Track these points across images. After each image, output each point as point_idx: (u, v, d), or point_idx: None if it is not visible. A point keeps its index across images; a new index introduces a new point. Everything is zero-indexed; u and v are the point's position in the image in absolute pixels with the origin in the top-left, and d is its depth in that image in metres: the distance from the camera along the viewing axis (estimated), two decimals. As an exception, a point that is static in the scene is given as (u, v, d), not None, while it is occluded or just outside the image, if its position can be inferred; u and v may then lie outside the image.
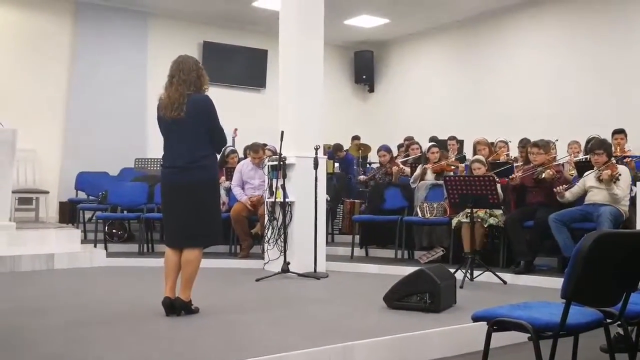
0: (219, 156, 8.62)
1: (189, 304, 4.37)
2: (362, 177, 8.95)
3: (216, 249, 7.35)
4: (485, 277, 6.05)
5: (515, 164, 7.82)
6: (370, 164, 11.36)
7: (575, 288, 2.51)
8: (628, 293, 2.74)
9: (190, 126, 4.30)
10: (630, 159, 6.77)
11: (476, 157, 7.37)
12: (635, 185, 6.00)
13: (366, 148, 11.67)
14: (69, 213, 9.68)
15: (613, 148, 7.20)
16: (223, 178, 8.21)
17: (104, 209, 8.54)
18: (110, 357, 3.34)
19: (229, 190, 8.00)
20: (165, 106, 4.33)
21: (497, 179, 6.76)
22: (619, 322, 2.87)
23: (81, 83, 10.75)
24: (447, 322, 4.14)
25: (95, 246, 7.86)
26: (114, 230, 8.43)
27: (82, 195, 9.89)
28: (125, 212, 8.58)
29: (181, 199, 4.33)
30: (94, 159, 10.20)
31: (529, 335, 2.56)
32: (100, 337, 3.78)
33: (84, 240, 8.20)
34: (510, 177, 6.71)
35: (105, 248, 7.82)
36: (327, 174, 7.99)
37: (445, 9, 11.30)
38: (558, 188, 6.23)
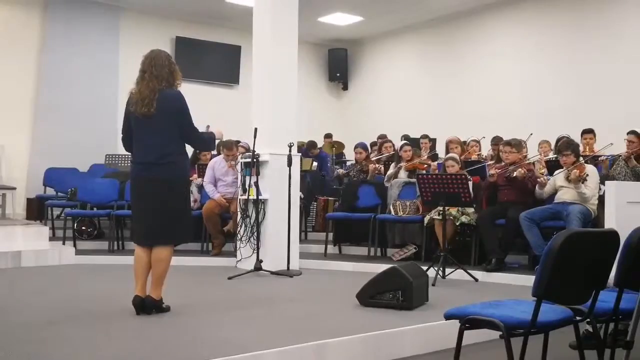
0: (190, 152, 8.65)
1: (160, 302, 4.32)
2: (340, 171, 8.93)
3: (188, 247, 7.29)
4: (457, 274, 6.09)
5: (487, 163, 7.90)
6: (345, 161, 11.37)
7: (546, 287, 2.53)
8: (597, 291, 2.78)
9: (161, 122, 4.25)
10: (605, 157, 6.86)
11: (450, 155, 7.42)
12: (603, 185, 6.08)
13: (340, 145, 11.68)
14: (36, 210, 9.52)
15: (582, 148, 7.31)
16: (195, 175, 8.15)
17: (73, 205, 8.41)
18: (79, 357, 3.28)
19: (201, 188, 7.94)
20: (136, 101, 4.27)
21: (470, 178, 6.81)
22: (589, 320, 2.91)
23: (50, 77, 10.57)
24: (420, 319, 4.16)
25: (63, 243, 7.74)
26: (83, 227, 8.32)
27: (50, 191, 9.71)
28: (95, 209, 8.45)
29: (150, 196, 4.27)
30: (63, 154, 10.04)
31: (501, 333, 2.58)
32: (68, 337, 3.72)
33: (53, 238, 8.07)
34: (489, 174, 6.76)
35: (74, 245, 7.71)
36: (303, 171, 7.96)
37: (419, 7, 11.35)
38: (541, 179, 6.32)
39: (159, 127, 4.26)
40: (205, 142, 4.79)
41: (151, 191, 4.27)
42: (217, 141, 4.90)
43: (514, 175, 6.46)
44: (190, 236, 4.58)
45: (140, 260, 4.30)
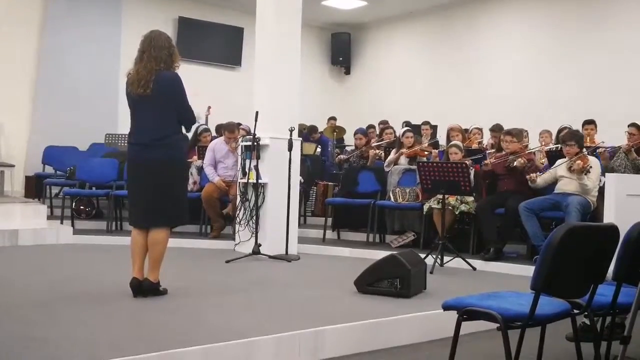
0: (190, 134, 8.61)
1: (157, 285, 4.32)
2: (341, 157, 8.90)
3: (186, 229, 7.29)
4: (455, 263, 6.10)
5: (487, 151, 7.87)
6: (345, 146, 11.34)
7: (545, 280, 2.53)
8: (595, 285, 2.77)
9: (157, 103, 4.22)
10: (604, 149, 6.83)
11: (454, 142, 7.39)
12: (604, 176, 6.06)
13: (341, 130, 11.65)
14: (35, 188, 9.50)
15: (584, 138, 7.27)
16: (195, 157, 8.12)
17: (72, 184, 8.39)
18: (75, 339, 3.28)
19: (200, 169, 7.92)
20: (133, 82, 4.25)
21: (472, 166, 6.80)
22: (586, 313, 2.91)
23: (51, 57, 10.50)
24: (417, 307, 4.16)
25: (61, 222, 7.72)
26: (81, 207, 8.29)
27: (49, 169, 9.70)
28: (94, 188, 8.43)
29: (146, 177, 4.25)
30: (62, 133, 9.99)
31: (498, 325, 2.57)
32: (64, 317, 3.72)
33: (50, 216, 8.06)
34: (483, 162, 6.75)
35: (72, 225, 7.69)
36: (304, 155, 7.93)
37: (423, -7, 11.28)
38: (531, 175, 6.28)
39: (155, 108, 4.23)
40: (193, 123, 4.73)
41: (147, 172, 4.25)
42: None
43: (514, 164, 6.44)
44: (186, 218, 4.56)
45: (136, 242, 4.29)
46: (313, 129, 10.69)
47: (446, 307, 2.83)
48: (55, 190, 9.18)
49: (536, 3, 10.52)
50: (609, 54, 9.41)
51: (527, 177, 6.31)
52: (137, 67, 4.27)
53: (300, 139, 7.29)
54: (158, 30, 4.39)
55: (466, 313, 2.72)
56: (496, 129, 8.34)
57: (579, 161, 5.99)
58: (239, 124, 8.08)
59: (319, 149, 9.91)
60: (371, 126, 10.36)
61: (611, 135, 7.62)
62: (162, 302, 4.20)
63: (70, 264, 5.94)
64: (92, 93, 10.57)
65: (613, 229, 2.78)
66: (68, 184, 8.59)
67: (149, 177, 4.24)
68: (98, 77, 10.66)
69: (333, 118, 11.86)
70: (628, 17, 9.28)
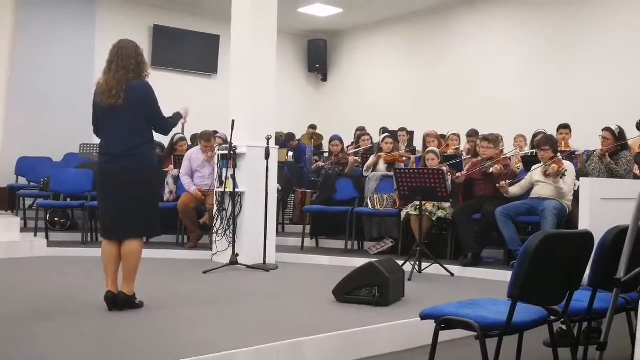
0: (167, 143, 8.55)
1: (133, 298, 4.26)
2: (319, 164, 8.87)
3: (163, 239, 7.22)
4: (433, 269, 6.11)
5: (463, 157, 7.92)
6: (323, 152, 11.34)
7: (522, 288, 2.54)
8: (571, 292, 2.79)
9: (128, 113, 4.18)
10: (582, 152, 6.90)
11: (431, 148, 7.43)
12: (578, 180, 6.12)
13: (318, 137, 11.65)
14: (8, 200, 9.31)
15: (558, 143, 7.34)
16: (171, 166, 8.06)
17: (46, 196, 8.26)
18: (47, 356, 3.21)
19: (177, 179, 7.85)
20: (103, 92, 4.21)
21: (450, 171, 6.83)
22: (563, 319, 2.92)
23: (24, 65, 10.32)
24: (396, 316, 4.15)
25: (35, 235, 7.61)
26: (56, 219, 8.17)
27: (22, 181, 9.54)
28: (68, 199, 8.31)
29: (118, 188, 4.20)
30: (36, 143, 9.86)
31: (476, 334, 2.57)
32: (38, 333, 3.64)
33: (24, 229, 7.94)
34: (456, 175, 6.77)
35: (47, 237, 7.57)
36: (279, 162, 7.90)
37: (398, 0, 11.30)
38: (502, 183, 6.32)
39: (126, 118, 4.19)
40: (173, 126, 4.69)
41: (119, 183, 4.20)
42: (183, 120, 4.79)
43: (490, 171, 6.49)
44: (159, 229, 4.52)
45: (108, 254, 4.23)
46: (290, 136, 10.67)
47: (424, 317, 2.83)
48: (29, 202, 9.03)
49: (511, 9, 10.62)
50: (584, 59, 9.52)
51: (498, 185, 6.34)
52: (105, 77, 4.23)
53: (278, 147, 7.27)
54: (126, 40, 4.36)
55: (444, 322, 2.73)
56: (472, 134, 8.42)
57: (554, 165, 6.05)
58: (216, 132, 8.03)
59: (290, 154, 9.87)
60: (361, 128, 10.30)
61: (585, 139, 7.71)
62: (137, 315, 4.14)
63: (44, 278, 5.83)
64: (66, 102, 10.44)
65: (587, 236, 2.80)
66: (42, 195, 8.46)
67: (121, 188, 4.20)
68: (72, 86, 10.53)
69: (313, 126, 11.85)
70: (603, 23, 9.39)
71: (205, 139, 7.62)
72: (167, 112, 4.49)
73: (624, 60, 9.05)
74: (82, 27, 10.95)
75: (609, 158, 6.36)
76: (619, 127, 6.49)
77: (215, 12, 11.46)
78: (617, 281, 2.62)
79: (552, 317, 2.84)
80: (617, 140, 6.46)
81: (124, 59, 4.21)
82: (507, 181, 6.38)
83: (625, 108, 8.33)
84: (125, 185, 4.19)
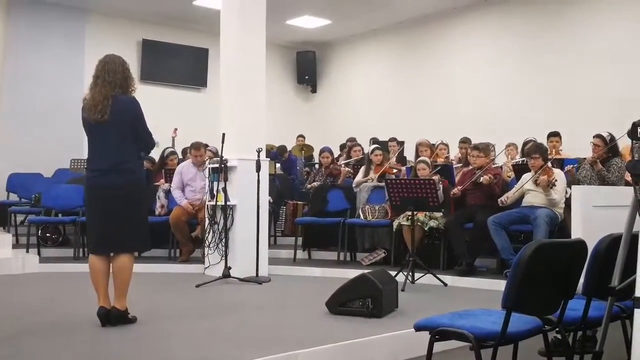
0: (157, 157, 8.53)
1: (126, 313, 4.23)
2: (314, 184, 8.76)
3: (155, 253, 7.19)
4: (426, 279, 6.09)
5: (454, 166, 7.94)
6: (314, 164, 11.34)
7: (516, 298, 2.53)
8: (566, 301, 2.79)
9: (115, 128, 4.18)
10: (572, 166, 6.89)
11: (422, 158, 7.44)
12: (570, 188, 6.15)
13: (309, 148, 11.65)
14: (-1, 216, 9.28)
15: (548, 151, 7.37)
16: (162, 180, 8.03)
17: (37, 212, 8.21)
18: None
19: (168, 193, 7.82)
20: (89, 108, 4.20)
21: (441, 181, 6.84)
22: (557, 329, 2.92)
23: (13, 80, 10.34)
24: (390, 327, 4.14)
25: (27, 251, 7.56)
26: (47, 234, 8.11)
27: (14, 197, 9.49)
28: (60, 215, 8.27)
29: (106, 203, 4.19)
30: (27, 159, 9.82)
31: (471, 344, 2.57)
32: (30, 351, 3.61)
33: (16, 245, 7.87)
34: (452, 192, 6.76)
35: (39, 253, 7.53)
36: (270, 174, 7.89)
37: (386, 11, 11.37)
38: (501, 199, 6.32)
39: (113, 134, 4.18)
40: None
41: (107, 198, 4.18)
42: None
43: (480, 181, 6.50)
44: (149, 244, 4.50)
45: (97, 270, 4.21)
46: (283, 149, 10.67)
47: (418, 328, 2.82)
48: (20, 218, 8.98)
49: (499, 18, 10.70)
50: (572, 67, 9.59)
51: (498, 201, 6.35)
52: (92, 92, 4.23)
53: (268, 159, 7.26)
54: (112, 54, 4.35)
55: (438, 333, 2.72)
56: (465, 141, 8.45)
57: (544, 176, 6.06)
58: (206, 145, 8.02)
59: (277, 166, 9.85)
60: (343, 146, 10.30)
61: (575, 146, 7.76)
62: (130, 330, 4.11)
63: (37, 294, 5.78)
64: (56, 118, 10.40)
65: (581, 244, 2.81)
66: (33, 211, 8.41)
67: (109, 203, 4.18)
68: (61, 101, 10.48)
69: (301, 136, 11.86)
70: (591, 31, 9.47)
71: (195, 147, 7.61)
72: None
73: (612, 66, 9.12)
74: (72, 42, 10.93)
75: (600, 165, 6.40)
76: (610, 134, 6.53)
77: (204, 25, 11.46)
78: (612, 289, 2.63)
79: (546, 327, 2.84)
80: (607, 147, 6.49)
81: (110, 74, 4.20)
82: (507, 196, 6.36)
83: (615, 113, 8.39)
84: (113, 200, 4.18)
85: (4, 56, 10.40)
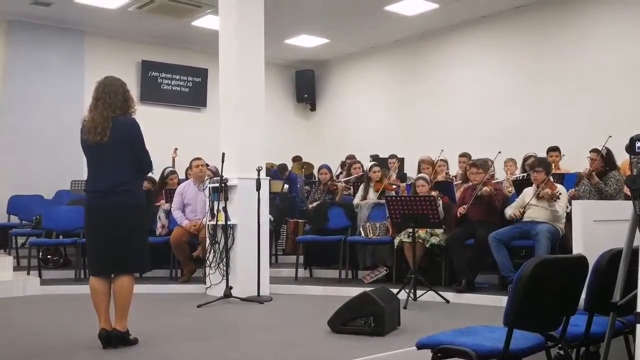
0: (157, 177, 8.54)
1: (127, 334, 4.22)
2: (312, 206, 8.73)
3: (156, 274, 7.19)
4: (428, 296, 6.08)
5: (454, 183, 7.95)
6: (314, 182, 11.34)
7: (517, 315, 2.53)
8: (568, 316, 2.78)
9: (114, 150, 4.20)
10: (573, 190, 6.86)
11: (421, 174, 7.46)
12: (570, 204, 6.15)
13: (309, 166, 11.66)
14: (0, 239, 9.26)
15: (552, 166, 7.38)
16: (162, 200, 8.04)
17: (38, 234, 8.21)
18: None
19: (168, 213, 7.82)
20: (89, 130, 4.22)
21: (440, 197, 6.84)
22: (560, 345, 2.91)
23: (13, 103, 10.37)
24: (392, 346, 4.13)
25: (28, 273, 7.53)
26: (48, 256, 8.10)
27: (14, 219, 9.49)
28: (61, 236, 8.26)
29: (105, 224, 4.20)
30: (27, 181, 9.83)
31: (473, 363, 2.56)
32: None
33: (17, 268, 7.87)
34: (458, 212, 6.75)
35: (40, 275, 7.51)
36: (272, 193, 7.88)
37: (383, 29, 11.43)
38: (511, 214, 6.31)
39: (113, 155, 4.20)
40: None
41: (107, 219, 4.19)
42: None
43: (480, 193, 6.50)
44: (149, 265, 4.51)
45: (97, 292, 4.20)
46: (283, 167, 10.69)
47: (420, 346, 2.81)
48: (21, 240, 8.97)
49: (497, 34, 10.75)
50: (570, 82, 9.63)
51: (509, 216, 6.34)
52: (92, 114, 4.25)
53: (269, 177, 7.27)
54: (112, 77, 4.38)
55: (440, 351, 2.70)
56: (465, 155, 8.48)
57: (547, 190, 6.07)
58: (207, 165, 8.03)
59: (286, 187, 9.87)
60: (343, 163, 10.30)
61: (574, 162, 7.78)
62: (132, 352, 4.10)
63: (38, 317, 5.77)
64: (56, 139, 10.40)
65: (581, 260, 2.81)
66: (34, 233, 8.41)
67: (109, 224, 4.19)
68: (61, 123, 10.47)
69: (297, 158, 11.84)
70: (588, 45, 9.52)
71: (196, 158, 7.67)
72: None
73: (610, 80, 9.15)
74: (71, 64, 10.97)
75: (597, 178, 6.41)
76: (606, 148, 6.55)
77: (203, 45, 11.54)
78: (614, 305, 2.63)
79: (549, 343, 2.83)
80: (604, 161, 6.52)
81: (111, 95, 4.23)
82: (514, 213, 6.35)
83: (613, 128, 8.42)
84: (113, 221, 4.18)
85: (4, 78, 10.45)
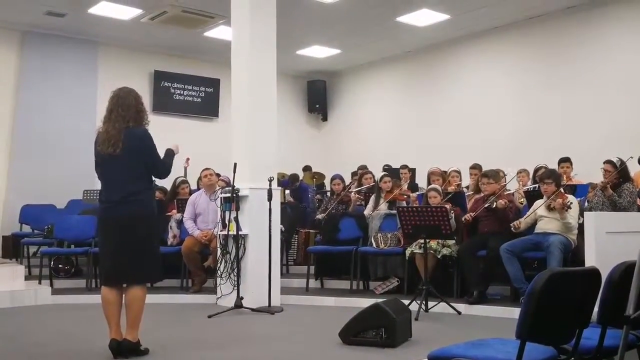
0: (169, 187, 8.56)
1: (138, 345, 4.23)
2: (320, 216, 8.71)
3: (167, 284, 7.18)
4: (440, 307, 6.05)
5: (466, 193, 7.91)
6: (326, 192, 11.33)
7: (530, 328, 2.50)
8: (580, 329, 2.75)
9: (127, 161, 4.24)
10: (580, 199, 6.83)
11: (433, 185, 7.44)
12: (582, 216, 6.11)
13: (320, 176, 11.67)
14: (12, 248, 9.31)
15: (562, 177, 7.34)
16: (174, 210, 8.05)
17: (50, 243, 8.25)
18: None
19: (180, 223, 7.83)
20: (103, 141, 4.27)
21: (453, 209, 6.81)
22: (573, 358, 2.88)
23: (27, 113, 10.46)
24: (404, 357, 4.11)
25: (40, 282, 7.56)
26: (60, 265, 8.14)
27: (27, 229, 9.54)
28: (72, 246, 8.29)
29: (118, 234, 4.23)
30: (40, 191, 9.87)
31: (485, 376, 2.54)
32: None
33: (28, 277, 7.90)
34: (464, 218, 6.73)
35: (51, 285, 7.53)
36: (283, 203, 7.85)
37: (395, 40, 11.46)
38: (514, 224, 6.28)
39: (125, 166, 4.24)
40: (170, 166, 4.66)
41: (119, 229, 4.22)
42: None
43: (494, 206, 6.47)
44: (160, 275, 4.52)
45: (109, 301, 4.22)
46: (294, 177, 10.70)
47: (432, 359, 2.79)
48: (32, 249, 9.01)
49: (508, 45, 10.75)
50: (583, 93, 9.60)
51: (511, 226, 6.31)
52: (105, 126, 4.29)
53: (280, 188, 7.27)
54: (126, 88, 4.42)
55: (452, 364, 2.68)
56: (475, 167, 8.45)
57: (558, 200, 6.03)
58: (218, 175, 8.06)
59: (287, 192, 9.85)
60: (355, 173, 10.28)
61: (586, 173, 7.73)
62: (142, 363, 4.10)
63: (49, 326, 5.79)
64: (69, 149, 10.48)
65: (594, 272, 2.78)
66: (46, 242, 8.44)
67: (121, 234, 4.21)
68: (74, 133, 10.58)
69: (308, 168, 11.85)
70: (600, 56, 9.49)
71: (205, 168, 7.70)
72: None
73: (624, 93, 9.11)
74: (84, 75, 11.06)
75: (610, 190, 6.37)
76: (620, 159, 6.51)
77: (214, 56, 11.61)
78: (627, 318, 2.60)
79: (562, 356, 2.80)
80: (618, 172, 6.47)
81: (125, 108, 4.27)
82: (520, 221, 6.32)
83: (625, 139, 8.38)
84: (125, 231, 4.21)
85: (19, 88, 10.55)
